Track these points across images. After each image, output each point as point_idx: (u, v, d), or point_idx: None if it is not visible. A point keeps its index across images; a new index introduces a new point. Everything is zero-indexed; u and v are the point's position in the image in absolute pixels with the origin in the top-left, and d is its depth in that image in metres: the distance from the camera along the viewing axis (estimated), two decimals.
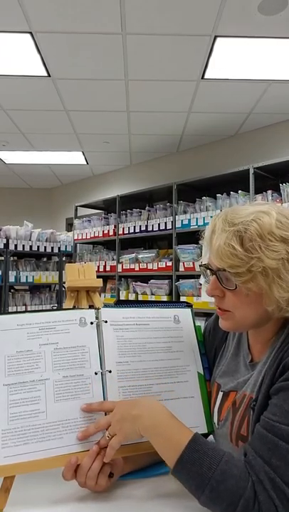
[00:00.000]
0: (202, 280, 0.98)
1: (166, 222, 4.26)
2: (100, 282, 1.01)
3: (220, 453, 0.69)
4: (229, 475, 0.66)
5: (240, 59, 3.29)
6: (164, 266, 4.20)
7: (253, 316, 0.80)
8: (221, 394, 0.90)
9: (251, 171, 3.59)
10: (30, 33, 2.96)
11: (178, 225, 4.11)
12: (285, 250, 0.74)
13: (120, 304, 0.98)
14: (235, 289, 0.77)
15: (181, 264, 3.98)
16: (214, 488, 0.65)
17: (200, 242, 0.91)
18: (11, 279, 4.82)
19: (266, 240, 0.74)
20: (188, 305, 1.03)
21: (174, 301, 3.87)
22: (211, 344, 1.01)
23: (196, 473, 0.67)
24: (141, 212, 4.65)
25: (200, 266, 0.88)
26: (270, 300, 0.75)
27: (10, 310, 4.76)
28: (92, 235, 5.18)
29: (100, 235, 5.05)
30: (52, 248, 5.24)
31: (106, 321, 0.91)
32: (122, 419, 0.77)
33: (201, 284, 3.62)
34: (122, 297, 4.60)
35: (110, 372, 0.87)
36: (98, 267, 4.94)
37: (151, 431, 0.75)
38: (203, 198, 3.99)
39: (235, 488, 0.64)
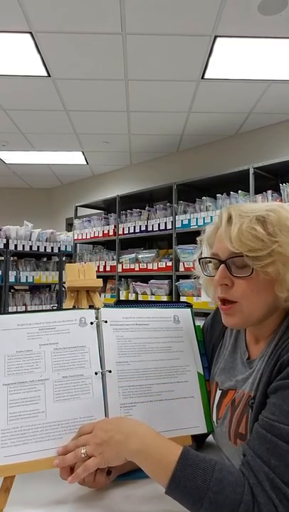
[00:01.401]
0: (202, 280, 0.97)
1: (166, 222, 4.26)
2: (100, 282, 1.01)
3: (212, 462, 0.68)
4: (225, 483, 0.65)
5: (240, 59, 3.29)
6: (164, 266, 4.20)
7: (261, 307, 0.80)
8: (219, 392, 0.90)
9: (251, 171, 3.59)
10: (30, 33, 2.96)
11: (178, 225, 4.12)
12: None
13: (120, 304, 0.98)
14: (250, 275, 0.77)
15: (181, 264, 3.98)
16: (212, 499, 0.64)
17: (198, 238, 0.91)
18: (11, 279, 4.82)
19: (285, 228, 0.76)
20: (188, 305, 1.04)
21: (174, 301, 3.87)
22: (209, 342, 1.02)
23: (191, 488, 0.65)
24: (141, 212, 4.65)
25: (200, 259, 0.87)
26: (281, 286, 0.76)
27: (10, 310, 4.76)
28: (92, 235, 5.18)
29: (100, 235, 5.05)
30: (52, 248, 5.24)
31: (106, 321, 0.92)
32: (103, 443, 0.74)
33: (201, 284, 3.61)
34: (122, 297, 4.60)
35: (110, 372, 0.87)
36: (98, 267, 4.94)
37: (139, 456, 0.72)
38: (203, 198, 3.99)
39: (233, 495, 0.64)
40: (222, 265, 0.80)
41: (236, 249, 0.76)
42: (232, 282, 0.80)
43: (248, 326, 0.85)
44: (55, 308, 5.13)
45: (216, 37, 3.00)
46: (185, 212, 4.12)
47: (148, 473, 0.72)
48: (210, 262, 0.87)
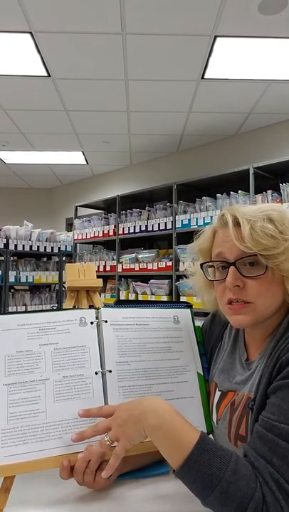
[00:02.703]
0: (195, 284, 0.97)
1: (166, 222, 4.26)
2: (100, 282, 1.01)
3: (228, 452, 0.67)
4: (240, 475, 0.64)
5: (240, 59, 3.29)
6: (164, 266, 4.20)
7: (274, 304, 0.80)
8: (218, 393, 0.90)
9: (251, 171, 3.59)
10: (30, 33, 2.96)
11: (178, 225, 4.12)
12: None
13: (120, 303, 0.98)
14: (263, 274, 0.77)
15: (181, 264, 3.98)
16: (224, 489, 0.63)
17: (189, 245, 0.91)
18: (11, 279, 4.81)
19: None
20: (188, 305, 1.04)
21: (174, 301, 3.86)
22: (208, 343, 1.02)
23: (205, 474, 0.64)
24: (141, 212, 4.65)
25: (204, 263, 0.86)
26: None
27: (10, 310, 4.76)
28: (92, 235, 5.18)
29: (100, 235, 5.05)
30: (52, 248, 5.24)
31: (106, 321, 0.92)
32: (123, 422, 0.73)
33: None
34: (122, 297, 4.60)
35: (110, 372, 0.87)
36: (98, 267, 4.94)
37: (157, 431, 0.71)
38: (203, 198, 3.99)
39: (245, 489, 0.63)
40: (232, 267, 0.79)
41: (250, 249, 0.76)
42: (243, 283, 0.79)
43: (258, 324, 0.83)
44: (55, 308, 5.13)
45: (216, 37, 3.00)
46: (185, 212, 4.12)
47: (162, 449, 0.71)
48: (211, 266, 0.86)
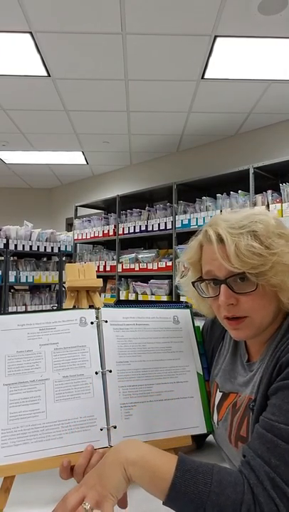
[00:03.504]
0: (192, 297, 0.97)
1: (166, 222, 4.26)
2: (100, 282, 1.01)
3: (209, 465, 0.67)
4: (225, 484, 0.64)
5: (240, 59, 3.29)
6: (164, 266, 4.20)
7: (269, 315, 0.80)
8: (220, 394, 0.91)
9: (251, 171, 3.59)
10: (30, 32, 2.96)
11: (178, 225, 4.12)
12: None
13: (120, 303, 0.98)
14: (255, 290, 0.76)
15: (181, 264, 3.97)
16: (215, 501, 0.62)
17: (178, 260, 0.91)
18: (11, 279, 4.81)
19: (276, 236, 0.77)
20: (188, 305, 1.04)
21: (174, 301, 3.87)
22: (209, 343, 1.02)
23: (192, 494, 0.63)
24: (141, 212, 4.65)
25: (195, 282, 0.85)
26: (288, 292, 0.77)
27: (10, 310, 4.76)
28: (92, 235, 5.18)
29: (100, 235, 5.06)
30: (52, 248, 5.24)
31: (106, 321, 0.92)
32: (99, 476, 0.67)
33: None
34: (122, 297, 4.60)
35: (111, 371, 0.87)
36: (98, 267, 4.94)
37: (139, 463, 0.67)
38: (203, 198, 4.00)
39: (234, 495, 0.62)
40: (223, 285, 0.78)
41: (238, 269, 0.75)
42: (236, 300, 0.79)
43: (259, 334, 0.83)
44: (55, 308, 5.13)
45: (216, 37, 3.00)
46: (185, 212, 4.12)
47: (145, 483, 0.67)
48: (202, 281, 0.85)
